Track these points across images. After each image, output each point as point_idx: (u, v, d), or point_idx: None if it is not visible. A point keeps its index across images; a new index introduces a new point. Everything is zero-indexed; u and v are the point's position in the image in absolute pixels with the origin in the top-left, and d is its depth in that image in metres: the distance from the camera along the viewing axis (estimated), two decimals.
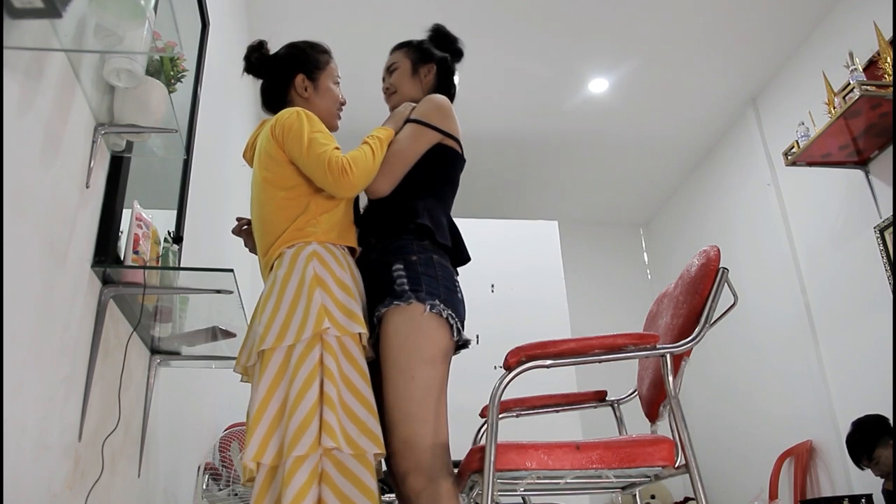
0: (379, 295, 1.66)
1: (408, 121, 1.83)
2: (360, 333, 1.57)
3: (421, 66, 1.97)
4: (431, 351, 1.58)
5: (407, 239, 1.70)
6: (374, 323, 1.66)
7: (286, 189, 1.69)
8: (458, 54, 2.04)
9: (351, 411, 1.49)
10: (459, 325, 1.65)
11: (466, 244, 1.82)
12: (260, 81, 1.93)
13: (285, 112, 1.73)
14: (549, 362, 1.41)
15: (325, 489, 1.43)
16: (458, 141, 1.87)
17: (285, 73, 1.87)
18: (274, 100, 1.88)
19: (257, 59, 1.90)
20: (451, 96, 1.96)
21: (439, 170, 1.83)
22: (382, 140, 1.75)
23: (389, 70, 2.00)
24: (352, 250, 1.75)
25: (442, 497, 1.50)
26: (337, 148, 1.68)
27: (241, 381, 1.68)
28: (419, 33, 2.06)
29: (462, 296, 1.73)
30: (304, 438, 1.42)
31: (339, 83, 1.93)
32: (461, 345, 1.69)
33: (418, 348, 1.57)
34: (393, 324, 1.61)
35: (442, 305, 1.61)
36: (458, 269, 1.83)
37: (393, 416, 1.56)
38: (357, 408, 1.50)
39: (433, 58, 1.98)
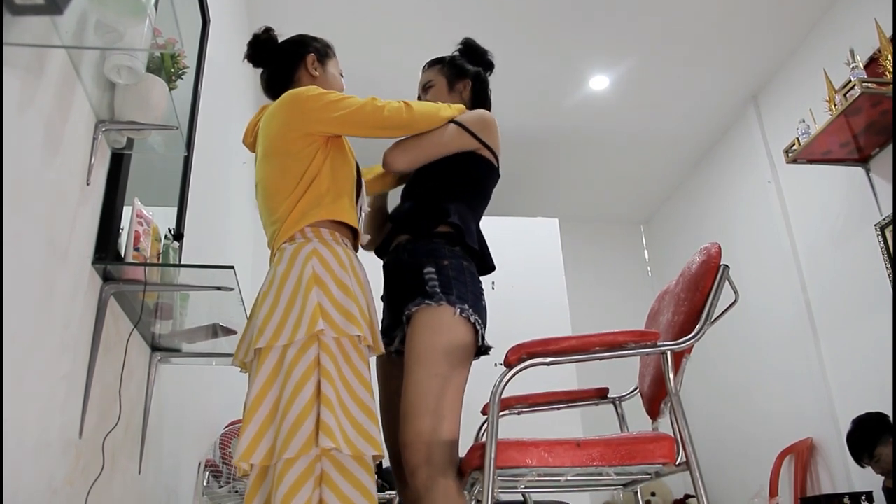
0: (409, 294, 1.69)
1: (452, 121, 1.86)
2: (358, 336, 1.57)
3: (457, 83, 2.01)
4: (457, 352, 1.62)
5: (438, 243, 1.74)
6: (403, 321, 1.70)
7: (288, 155, 1.70)
8: (489, 66, 2.08)
9: (348, 412, 1.49)
10: (483, 331, 1.70)
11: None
12: (258, 74, 1.94)
13: (293, 104, 1.73)
14: (549, 360, 1.41)
15: (326, 490, 1.43)
16: (495, 155, 1.91)
17: (296, 52, 1.89)
18: (280, 82, 1.88)
19: (265, 42, 1.91)
20: (488, 108, 2.01)
21: (472, 177, 1.87)
22: (454, 108, 1.86)
23: (425, 88, 2.02)
24: (354, 233, 1.76)
25: (450, 493, 1.51)
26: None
27: (241, 372, 1.68)
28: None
29: (485, 304, 1.76)
30: (295, 441, 1.41)
31: (343, 76, 1.95)
32: (482, 350, 1.73)
33: (445, 347, 1.61)
34: (422, 322, 1.64)
35: (470, 310, 1.65)
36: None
37: (410, 409, 1.58)
38: (354, 410, 1.50)
39: (468, 73, 2.02)
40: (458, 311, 1.63)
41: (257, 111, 1.88)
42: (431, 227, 1.76)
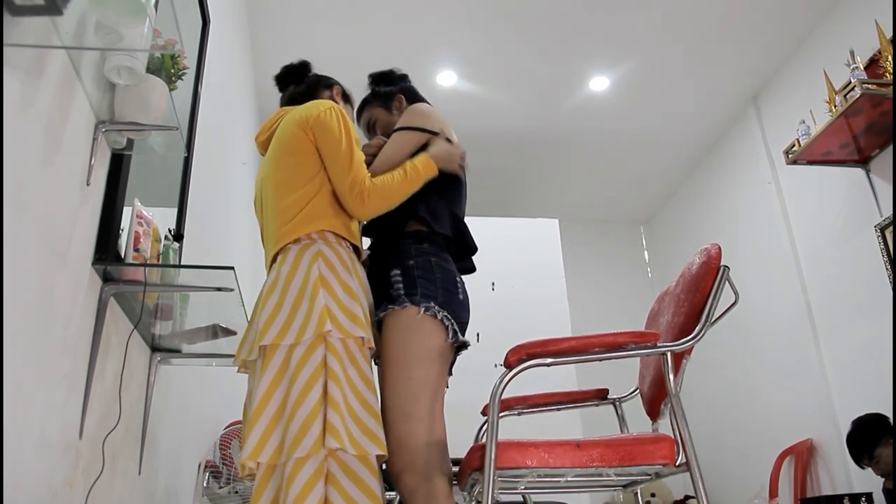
0: (379, 300, 1.71)
1: (394, 130, 1.87)
2: (362, 337, 1.57)
3: (392, 103, 2.04)
4: (426, 352, 1.62)
5: (406, 244, 1.74)
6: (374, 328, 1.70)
7: (296, 153, 1.72)
8: (404, 77, 2.10)
9: (354, 413, 1.50)
10: (455, 327, 1.67)
11: None
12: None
13: (321, 104, 1.76)
14: (549, 360, 1.41)
15: (332, 490, 1.44)
16: (448, 139, 1.89)
17: (326, 79, 1.98)
18: (303, 96, 1.92)
19: (301, 66, 2.00)
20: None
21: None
22: (419, 169, 1.76)
23: (370, 126, 2.05)
24: (356, 250, 1.76)
25: (437, 495, 1.51)
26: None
27: (238, 371, 1.68)
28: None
29: (464, 297, 1.75)
30: (306, 440, 1.42)
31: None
32: (460, 346, 1.71)
33: (413, 349, 1.61)
34: (389, 327, 1.65)
35: (437, 307, 1.64)
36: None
37: (389, 415, 1.58)
38: (359, 410, 1.51)
39: (394, 92, 2.05)
40: (423, 310, 1.62)
41: (276, 112, 1.89)
42: (400, 227, 1.76)
